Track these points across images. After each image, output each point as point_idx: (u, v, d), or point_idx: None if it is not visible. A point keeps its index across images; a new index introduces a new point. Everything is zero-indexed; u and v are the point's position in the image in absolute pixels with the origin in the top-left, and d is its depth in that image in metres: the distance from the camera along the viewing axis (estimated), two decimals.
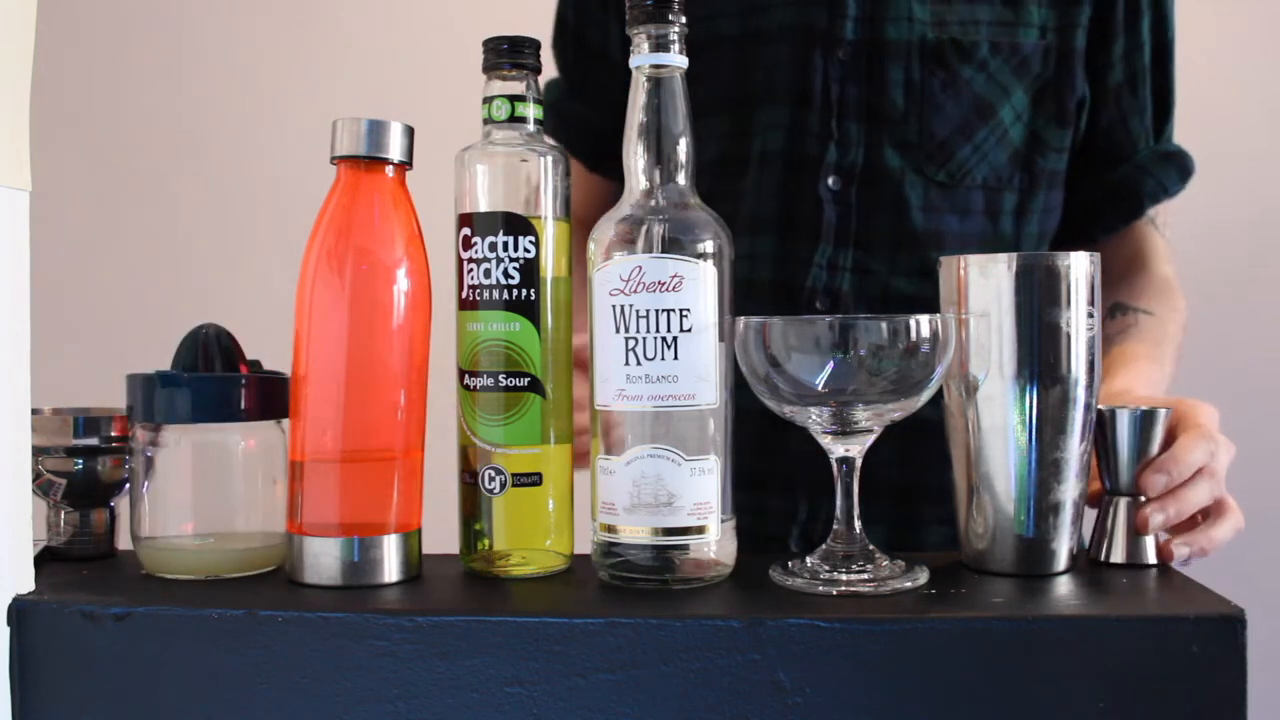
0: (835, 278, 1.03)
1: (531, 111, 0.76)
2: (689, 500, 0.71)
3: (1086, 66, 1.06)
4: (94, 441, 0.82)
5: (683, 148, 0.73)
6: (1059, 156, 1.07)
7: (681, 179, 0.73)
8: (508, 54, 0.76)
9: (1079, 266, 0.72)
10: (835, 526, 0.72)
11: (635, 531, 0.71)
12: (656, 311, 0.70)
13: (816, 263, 1.03)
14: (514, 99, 0.76)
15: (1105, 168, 1.10)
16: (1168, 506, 0.77)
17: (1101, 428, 0.76)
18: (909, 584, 0.70)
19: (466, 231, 0.75)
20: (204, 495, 0.78)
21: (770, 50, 1.05)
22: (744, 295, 1.03)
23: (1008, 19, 1.04)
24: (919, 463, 0.98)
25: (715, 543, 0.72)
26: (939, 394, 0.74)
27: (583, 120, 1.16)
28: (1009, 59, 1.04)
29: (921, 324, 0.67)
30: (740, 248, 1.02)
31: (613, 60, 1.12)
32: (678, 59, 0.73)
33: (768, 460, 1.03)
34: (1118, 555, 0.76)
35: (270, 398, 0.78)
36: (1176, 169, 1.10)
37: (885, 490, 1.02)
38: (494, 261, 0.74)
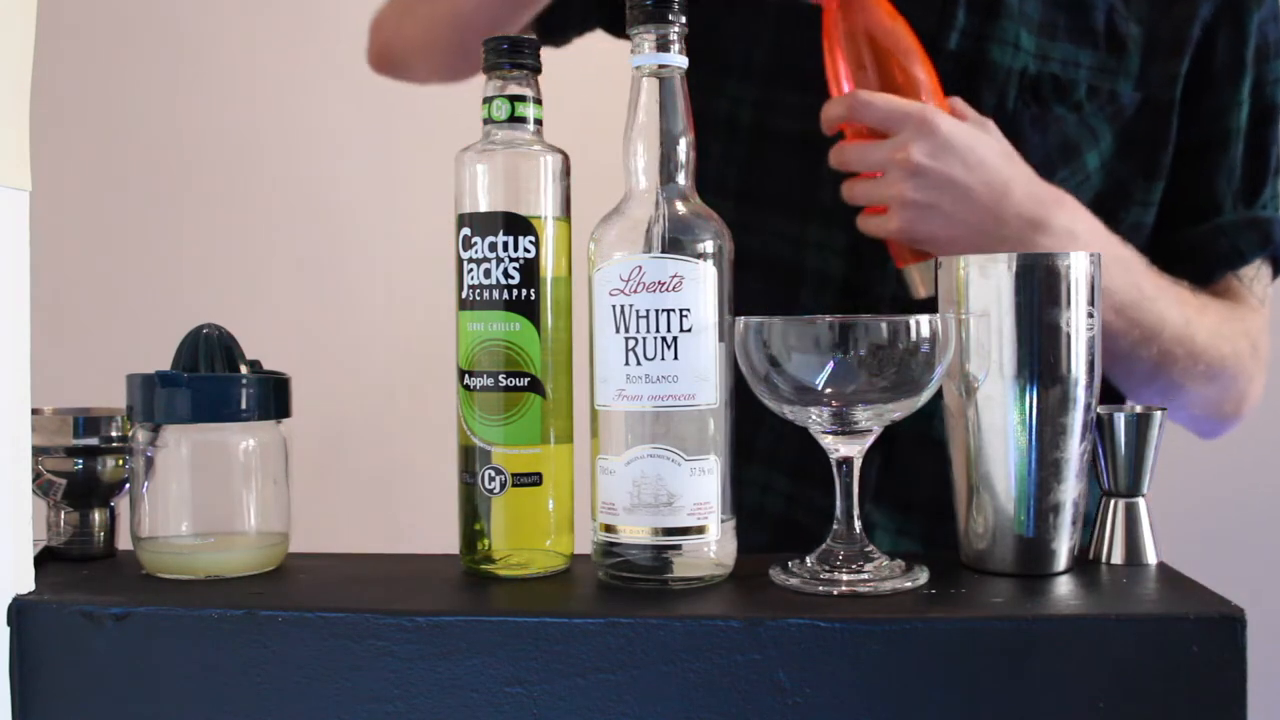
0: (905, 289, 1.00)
1: (531, 111, 0.76)
2: (689, 500, 0.71)
3: (1179, 117, 1.03)
4: (94, 441, 0.82)
5: (683, 148, 0.73)
6: (1144, 210, 1.04)
7: (681, 179, 0.73)
8: (508, 54, 0.76)
9: (1079, 266, 0.72)
10: (835, 526, 0.72)
11: (635, 531, 0.71)
12: (656, 311, 0.70)
13: (889, 269, 1.00)
14: (514, 99, 0.76)
15: (1185, 225, 1.06)
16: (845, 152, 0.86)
17: (1100, 429, 0.76)
18: (909, 584, 0.70)
19: (466, 231, 0.75)
20: (204, 495, 0.78)
21: None
22: (817, 285, 1.04)
23: (1109, 65, 1.02)
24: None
25: (715, 543, 0.72)
26: (939, 394, 0.74)
27: None
28: (1104, 105, 1.02)
29: (921, 324, 0.67)
30: (812, 234, 1.01)
31: None
32: (678, 59, 0.73)
33: (815, 451, 1.01)
34: (1118, 555, 0.76)
35: (270, 398, 0.78)
36: (1259, 235, 1.04)
37: (921, 505, 1.02)
38: (494, 261, 0.75)
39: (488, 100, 0.77)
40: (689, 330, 0.70)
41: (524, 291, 0.75)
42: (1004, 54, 1.01)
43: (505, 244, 0.74)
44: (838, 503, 0.72)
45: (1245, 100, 1.05)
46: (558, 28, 1.16)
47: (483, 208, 0.75)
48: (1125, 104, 1.02)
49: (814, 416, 0.69)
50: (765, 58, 1.09)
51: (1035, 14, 1.01)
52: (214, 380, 0.77)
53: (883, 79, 0.93)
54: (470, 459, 0.76)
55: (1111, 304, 0.93)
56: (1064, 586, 0.72)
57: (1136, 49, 1.02)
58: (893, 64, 0.93)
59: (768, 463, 1.06)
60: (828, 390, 0.67)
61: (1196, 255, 1.05)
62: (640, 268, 0.70)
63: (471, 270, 0.75)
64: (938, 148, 0.90)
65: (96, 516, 0.84)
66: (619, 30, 1.14)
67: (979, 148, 0.91)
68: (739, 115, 1.10)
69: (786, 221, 1.06)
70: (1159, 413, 0.76)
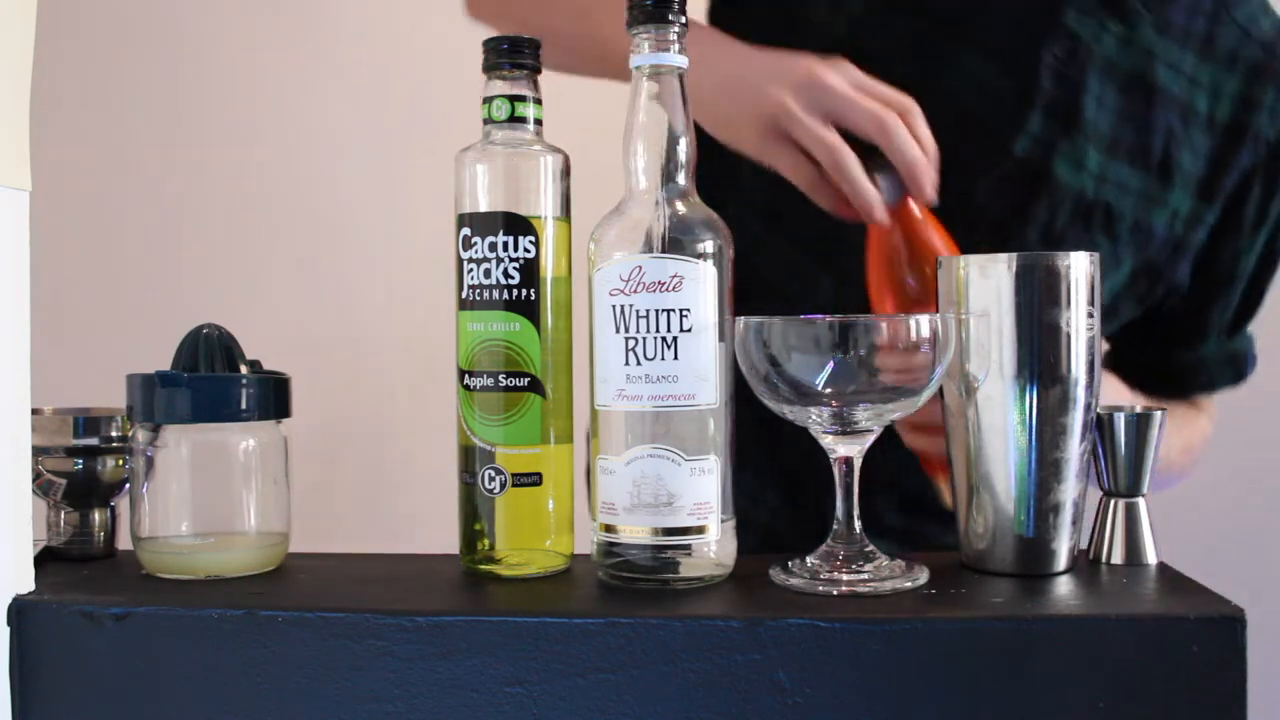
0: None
1: (531, 111, 0.76)
2: (689, 500, 0.71)
3: (1200, 251, 1.04)
4: (94, 441, 0.82)
5: (683, 148, 0.73)
6: (1114, 328, 1.05)
7: (681, 179, 0.73)
8: (508, 54, 0.76)
9: (1079, 266, 0.72)
10: (835, 526, 0.72)
11: (635, 531, 0.71)
12: (656, 311, 0.70)
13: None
14: (514, 99, 0.76)
15: (1172, 347, 1.08)
16: None
17: (1100, 429, 0.76)
18: (909, 584, 0.70)
19: (466, 231, 0.75)
20: (204, 495, 0.78)
21: (935, 124, 0.91)
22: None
23: (1153, 194, 1.00)
24: None
25: (715, 543, 0.72)
26: (939, 393, 0.74)
27: None
28: (1136, 236, 1.00)
29: (921, 324, 0.67)
30: (826, 283, 1.00)
31: None
32: (678, 59, 0.73)
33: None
34: (1118, 555, 0.76)
35: (270, 398, 0.78)
36: (1233, 371, 1.10)
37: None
38: (494, 261, 0.75)
39: (488, 100, 0.77)
40: (689, 330, 0.70)
41: (524, 291, 0.75)
42: (1069, 172, 0.98)
43: (505, 244, 0.74)
44: (838, 503, 0.72)
45: (1259, 246, 1.05)
46: None
47: (483, 208, 0.75)
48: (1154, 235, 1.01)
49: (814, 416, 0.69)
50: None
51: (1106, 127, 0.98)
52: (214, 380, 0.77)
53: (923, 289, 0.90)
54: (470, 459, 0.76)
55: None
56: (1064, 586, 0.72)
57: (1183, 183, 1.00)
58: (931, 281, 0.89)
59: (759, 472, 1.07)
60: (828, 390, 0.67)
61: (1175, 379, 1.09)
62: (640, 268, 0.70)
63: (471, 270, 0.75)
64: None
65: (96, 516, 0.84)
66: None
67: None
68: None
69: (804, 258, 1.05)
70: (1159, 413, 0.76)
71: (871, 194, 0.86)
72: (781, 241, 1.05)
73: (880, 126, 0.85)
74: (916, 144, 0.86)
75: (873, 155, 0.87)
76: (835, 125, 0.86)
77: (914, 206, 0.89)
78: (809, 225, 0.95)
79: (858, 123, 0.86)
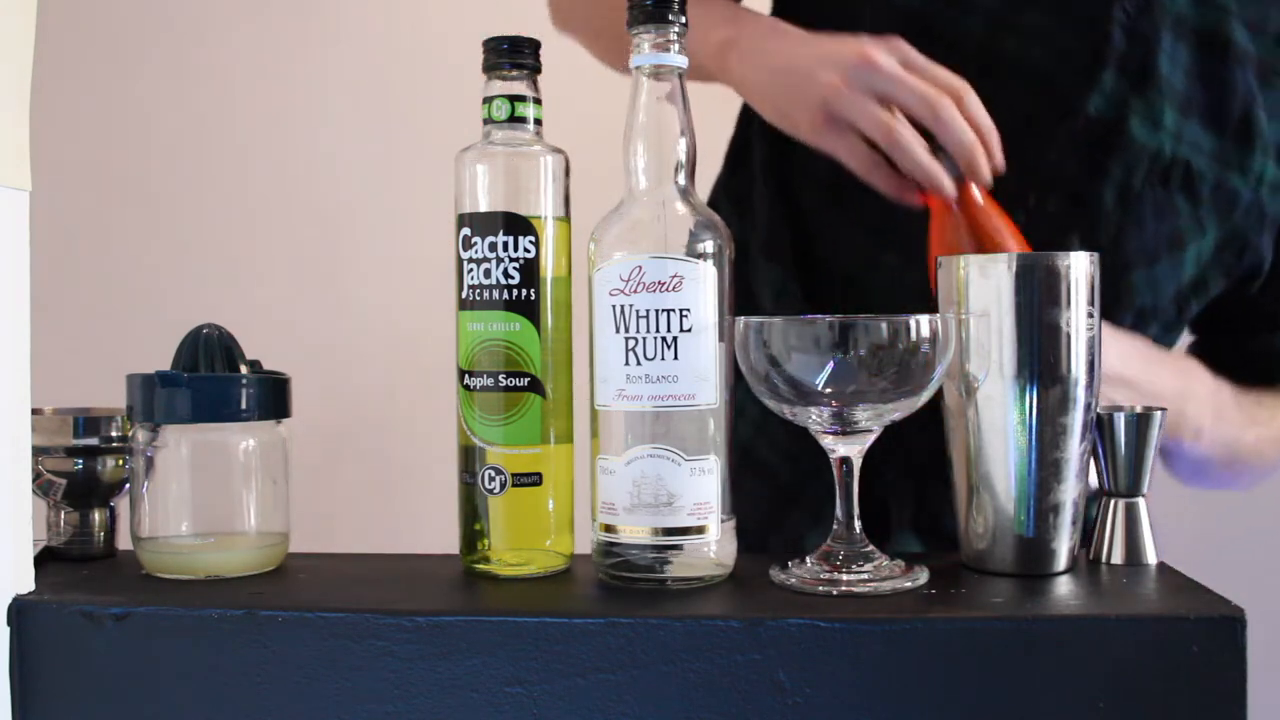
0: None
1: (531, 111, 0.76)
2: (689, 500, 0.71)
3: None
4: (94, 441, 0.82)
5: (683, 147, 0.73)
6: (1204, 301, 1.02)
7: (681, 179, 0.73)
8: (508, 54, 0.76)
9: (1079, 266, 0.72)
10: (835, 526, 0.72)
11: (635, 531, 0.71)
12: (656, 311, 0.70)
13: None
14: (514, 99, 0.76)
15: (1260, 331, 1.06)
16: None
17: (1100, 429, 0.76)
18: (909, 584, 0.70)
19: (466, 231, 0.75)
20: (204, 495, 0.78)
21: (1003, 86, 0.92)
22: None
23: (1232, 157, 0.97)
24: None
25: (715, 543, 0.72)
26: (939, 393, 0.74)
27: None
28: (1218, 198, 0.97)
29: (921, 324, 0.67)
30: (890, 259, 0.99)
31: None
32: (678, 59, 0.73)
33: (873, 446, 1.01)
34: (1118, 555, 0.76)
35: (270, 398, 0.78)
36: None
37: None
38: (494, 261, 0.75)
39: (488, 100, 0.77)
40: (689, 330, 0.70)
41: (524, 291, 0.75)
42: (1144, 130, 0.95)
43: (505, 244, 0.74)
44: (838, 503, 0.72)
45: None
46: None
47: (483, 208, 0.75)
48: (1240, 203, 0.98)
49: (814, 416, 0.69)
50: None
51: (1180, 85, 0.96)
52: (214, 380, 0.77)
53: None
54: (470, 459, 0.76)
55: (1222, 439, 0.98)
56: (1064, 586, 0.72)
57: (1263, 148, 0.98)
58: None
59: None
60: (828, 390, 0.67)
61: (1264, 365, 1.05)
62: (640, 268, 0.70)
63: (471, 270, 0.75)
64: (1105, 352, 0.85)
65: (96, 516, 0.84)
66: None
67: (1130, 341, 0.92)
68: None
69: (865, 235, 1.03)
70: (1159, 413, 0.76)
71: (934, 167, 0.85)
72: (843, 220, 1.04)
73: (931, 108, 0.84)
74: (969, 127, 0.85)
75: (931, 138, 0.86)
76: (891, 107, 0.86)
77: (973, 189, 0.87)
78: (872, 204, 0.93)
79: (908, 103, 0.85)
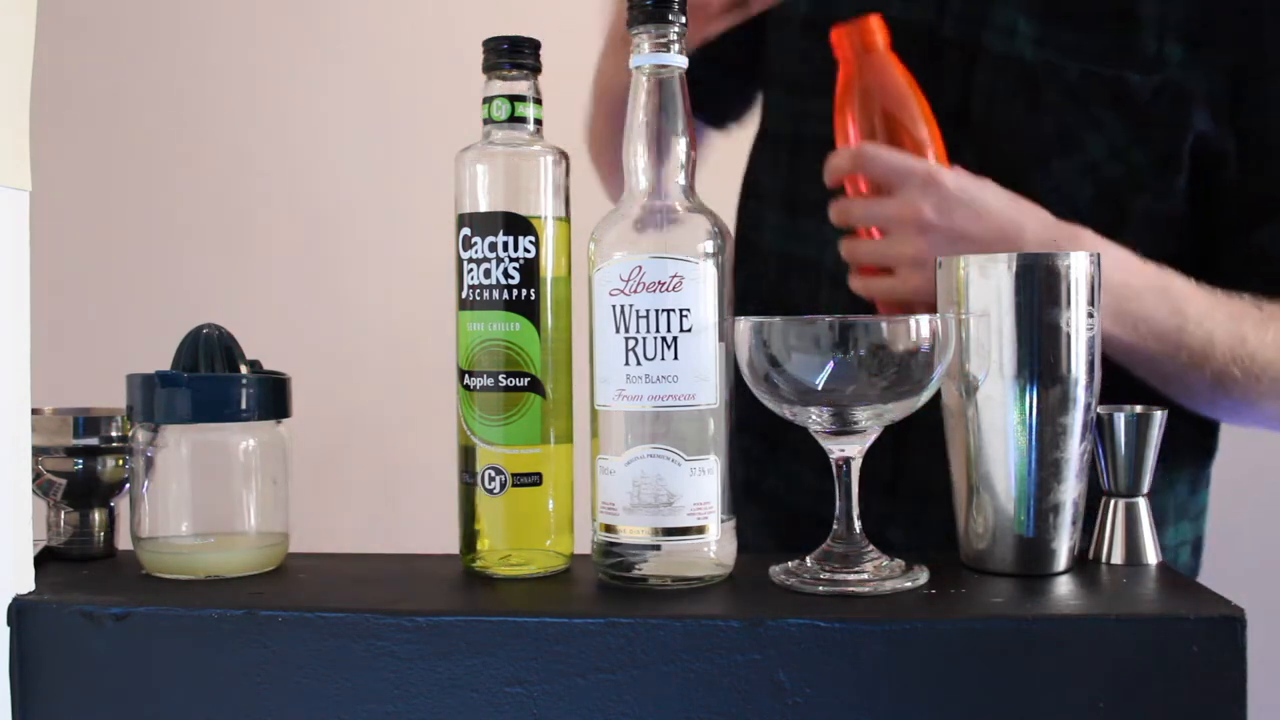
0: None
1: (531, 111, 0.76)
2: (689, 500, 0.71)
3: (1232, 113, 0.98)
4: (94, 441, 0.82)
5: (683, 147, 0.73)
6: (1160, 200, 0.99)
7: (681, 179, 0.73)
8: (508, 54, 0.76)
9: (1079, 266, 0.72)
10: (835, 526, 0.72)
11: (635, 531, 0.71)
12: (656, 311, 0.70)
13: None
14: (514, 99, 0.76)
15: (1250, 226, 1.00)
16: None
17: (1100, 429, 0.76)
18: (909, 584, 0.70)
19: (466, 231, 0.75)
20: (204, 495, 0.78)
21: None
22: (798, 272, 1.06)
23: (1116, 50, 0.98)
24: None
25: (715, 543, 0.72)
26: (938, 394, 0.74)
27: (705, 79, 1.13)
28: (1107, 91, 0.97)
29: (921, 324, 0.67)
30: (773, 219, 1.02)
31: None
32: (678, 59, 0.73)
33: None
34: (1118, 555, 0.76)
35: (270, 398, 0.78)
36: None
37: (937, 495, 1.01)
38: (494, 261, 0.75)
39: (488, 100, 0.77)
40: (689, 330, 0.70)
41: (524, 291, 0.75)
42: (999, 40, 0.99)
43: (505, 244, 0.74)
44: (837, 503, 0.72)
45: None
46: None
47: (483, 208, 0.75)
48: (1135, 89, 0.97)
49: (814, 416, 0.69)
50: (796, 67, 1.10)
51: None
52: (214, 380, 0.77)
53: (890, 140, 0.93)
54: (470, 459, 0.76)
55: (1151, 331, 0.91)
56: (1064, 586, 0.72)
57: (1152, 32, 0.97)
58: (900, 126, 0.93)
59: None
60: (828, 390, 0.67)
61: (1262, 259, 1.00)
62: (640, 268, 0.70)
63: (471, 270, 0.75)
64: (946, 202, 0.89)
65: (96, 516, 0.84)
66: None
67: (987, 197, 0.90)
68: (782, 127, 1.12)
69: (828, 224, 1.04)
70: (1159, 413, 0.76)
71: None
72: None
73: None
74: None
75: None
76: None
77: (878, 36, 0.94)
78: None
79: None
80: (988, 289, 0.73)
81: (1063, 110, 0.99)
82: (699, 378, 0.71)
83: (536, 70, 0.77)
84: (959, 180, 0.90)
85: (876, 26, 0.94)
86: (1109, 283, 0.88)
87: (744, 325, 0.69)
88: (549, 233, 0.75)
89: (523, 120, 0.76)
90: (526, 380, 0.75)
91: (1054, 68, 0.98)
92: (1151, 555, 0.76)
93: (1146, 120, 0.98)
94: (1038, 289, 0.72)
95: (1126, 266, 0.92)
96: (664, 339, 0.70)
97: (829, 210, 0.95)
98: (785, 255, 1.10)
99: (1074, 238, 0.91)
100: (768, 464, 1.10)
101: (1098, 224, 0.95)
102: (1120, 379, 0.90)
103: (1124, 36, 0.98)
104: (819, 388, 0.67)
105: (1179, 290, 0.94)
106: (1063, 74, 0.98)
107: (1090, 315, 0.73)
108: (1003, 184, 0.93)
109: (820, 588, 0.69)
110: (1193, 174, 0.99)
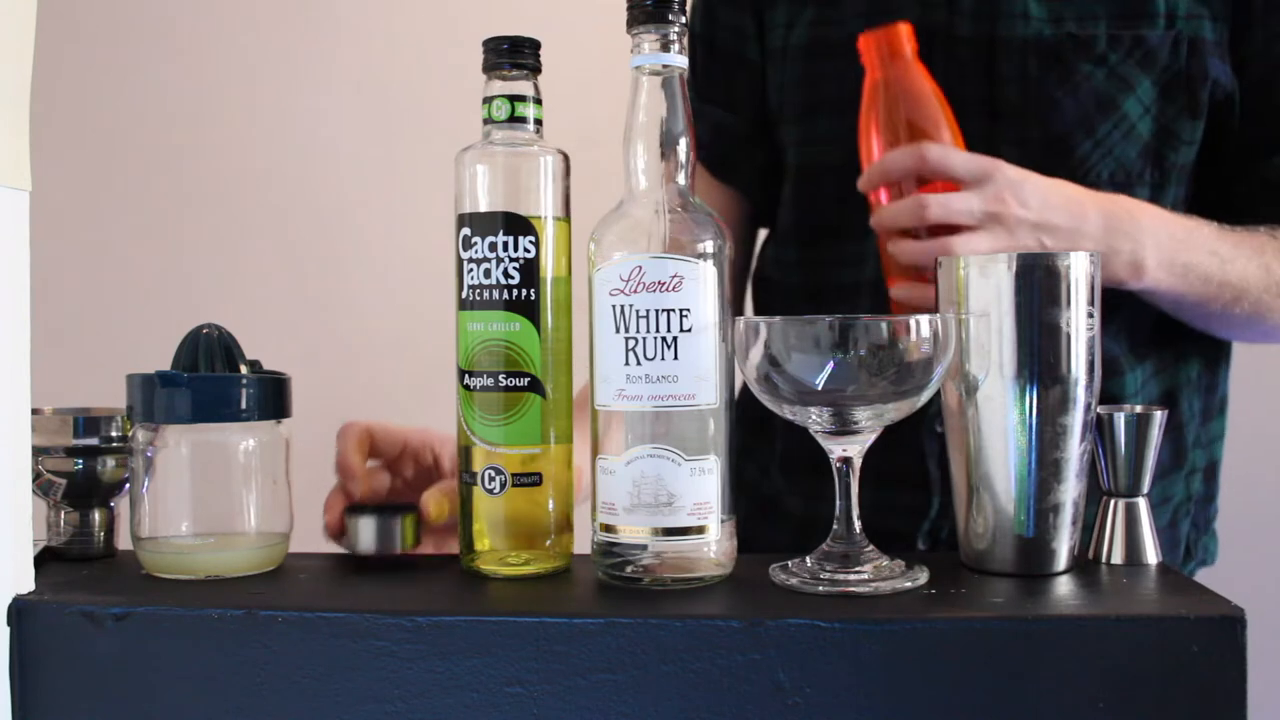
0: None
1: (531, 111, 0.76)
2: (689, 500, 0.71)
3: (1232, 56, 1.04)
4: (94, 441, 0.82)
5: (683, 148, 0.73)
6: (1190, 149, 1.04)
7: (681, 179, 0.73)
8: (508, 54, 0.76)
9: (1079, 266, 0.72)
10: (835, 526, 0.72)
11: (635, 531, 0.71)
12: (656, 311, 0.70)
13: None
14: (514, 99, 0.76)
15: (1258, 160, 1.06)
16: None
17: (1100, 429, 0.76)
18: (909, 584, 0.70)
19: (466, 231, 0.75)
20: (204, 495, 0.78)
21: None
22: (851, 295, 1.07)
23: (1130, 10, 1.02)
24: None
25: (715, 543, 0.72)
26: (939, 393, 0.74)
27: (713, 123, 1.16)
28: (1132, 51, 1.01)
29: (921, 324, 0.67)
30: (872, 248, 1.01)
31: (748, 60, 1.15)
32: (678, 59, 0.73)
33: (901, 455, 1.02)
34: (1118, 555, 0.76)
35: (270, 398, 0.78)
36: None
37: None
38: (494, 261, 0.75)
39: (488, 100, 0.77)
40: (689, 330, 0.70)
41: (524, 291, 0.75)
42: (1014, 26, 1.02)
43: (505, 244, 0.74)
44: (837, 503, 0.72)
45: None
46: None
47: (483, 208, 0.75)
48: (1155, 46, 1.02)
49: (814, 416, 0.69)
50: (797, 94, 1.11)
51: None
52: (214, 380, 0.77)
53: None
54: (470, 459, 0.76)
55: (1198, 276, 0.96)
56: (1064, 586, 0.71)
57: None
58: (925, 134, 0.93)
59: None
60: (828, 390, 0.67)
61: (1272, 187, 1.05)
62: (640, 268, 0.70)
63: (471, 270, 0.75)
64: (1024, 194, 0.91)
65: (96, 516, 0.84)
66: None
67: (1049, 185, 0.93)
68: (791, 159, 1.13)
69: (846, 245, 1.07)
70: (1159, 413, 0.76)
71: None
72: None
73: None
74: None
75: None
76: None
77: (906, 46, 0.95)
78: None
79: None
80: (988, 289, 0.73)
81: (1094, 78, 1.01)
82: (699, 378, 0.71)
83: (536, 70, 0.77)
84: (1023, 174, 0.92)
85: (905, 34, 0.94)
86: (1158, 238, 0.94)
87: (744, 325, 0.69)
88: (549, 233, 0.75)
89: (523, 120, 0.76)
90: (526, 380, 0.75)
91: (1076, 39, 1.01)
92: (1151, 555, 0.76)
93: (1173, 72, 1.02)
94: (1037, 289, 0.72)
95: (1169, 219, 0.97)
96: (664, 339, 0.70)
97: (873, 216, 0.95)
98: (810, 286, 1.12)
99: (1124, 205, 0.95)
100: None
101: (1145, 181, 1.01)
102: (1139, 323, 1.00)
103: None
104: (819, 388, 0.67)
105: (1211, 233, 0.99)
106: (1087, 43, 1.01)
107: (1090, 315, 0.73)
108: (1048, 163, 0.96)
109: (820, 588, 0.69)
110: (1209, 119, 1.04)
